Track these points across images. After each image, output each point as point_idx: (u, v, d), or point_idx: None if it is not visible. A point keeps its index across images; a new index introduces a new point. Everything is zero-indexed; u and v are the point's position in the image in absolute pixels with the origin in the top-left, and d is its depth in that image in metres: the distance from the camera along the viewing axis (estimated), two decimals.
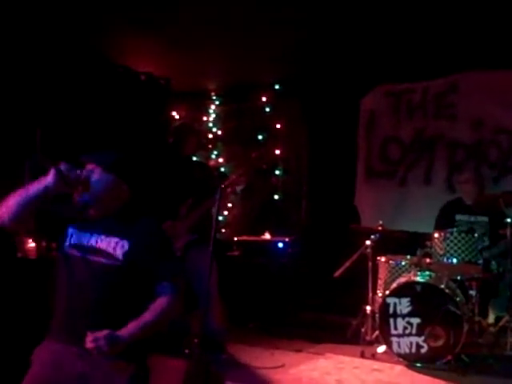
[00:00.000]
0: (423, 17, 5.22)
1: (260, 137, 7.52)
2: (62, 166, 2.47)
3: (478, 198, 5.35)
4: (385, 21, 5.35)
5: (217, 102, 7.88)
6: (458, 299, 4.64)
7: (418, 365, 4.60)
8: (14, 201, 2.47)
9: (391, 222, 5.86)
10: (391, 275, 5.18)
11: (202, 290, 3.43)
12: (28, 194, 2.46)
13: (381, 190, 6.69)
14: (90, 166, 2.61)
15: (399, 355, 4.68)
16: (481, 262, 4.84)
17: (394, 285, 4.88)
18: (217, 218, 3.13)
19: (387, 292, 4.85)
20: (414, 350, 4.63)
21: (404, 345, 4.66)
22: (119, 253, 2.55)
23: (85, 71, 6.04)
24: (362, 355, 4.87)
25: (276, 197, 7.43)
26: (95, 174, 2.58)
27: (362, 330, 5.11)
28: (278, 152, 7.41)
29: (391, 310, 4.74)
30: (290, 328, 5.91)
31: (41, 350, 2.57)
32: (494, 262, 4.97)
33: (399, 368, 4.62)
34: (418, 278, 4.81)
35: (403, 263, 5.18)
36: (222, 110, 7.89)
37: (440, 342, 4.56)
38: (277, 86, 7.39)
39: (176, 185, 4.95)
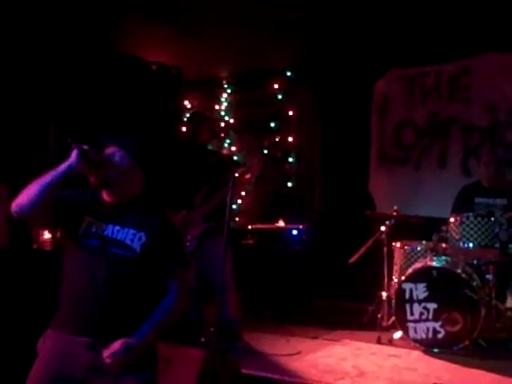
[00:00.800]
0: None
1: (272, 124, 7.50)
2: (85, 147, 2.47)
3: (495, 180, 5.30)
4: (397, 4, 5.29)
5: (229, 91, 7.86)
6: (474, 284, 4.61)
7: (435, 350, 4.58)
8: (35, 185, 2.44)
9: (406, 207, 5.82)
10: (407, 261, 5.16)
11: (218, 278, 3.43)
12: (50, 177, 2.44)
13: (395, 175, 6.66)
14: (110, 149, 2.60)
15: (416, 341, 4.67)
16: (497, 245, 4.79)
17: (410, 270, 4.86)
18: (231, 207, 3.12)
19: (403, 278, 4.83)
20: (430, 335, 4.62)
21: (421, 330, 4.65)
22: (137, 245, 2.54)
23: (95, 63, 6.04)
24: (379, 341, 4.87)
25: (289, 184, 7.41)
26: (116, 156, 2.58)
27: (378, 316, 5.10)
28: (290, 139, 7.39)
29: (407, 295, 4.72)
30: (306, 315, 5.92)
31: (47, 341, 2.56)
32: (511, 246, 4.92)
33: (416, 353, 4.61)
34: (434, 263, 4.78)
35: (419, 248, 5.15)
36: (233, 99, 7.86)
37: (457, 327, 4.53)
38: (288, 73, 7.35)
39: (191, 174, 4.95)
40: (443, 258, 4.84)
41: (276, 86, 7.44)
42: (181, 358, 3.69)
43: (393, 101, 6.73)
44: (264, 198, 7.52)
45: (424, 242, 5.16)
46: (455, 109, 6.33)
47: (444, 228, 5.03)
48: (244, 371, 3.95)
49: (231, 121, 7.85)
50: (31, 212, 2.45)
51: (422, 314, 4.65)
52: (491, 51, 5.95)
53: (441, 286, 4.64)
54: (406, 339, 4.73)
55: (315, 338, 5.12)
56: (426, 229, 5.30)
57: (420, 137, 6.55)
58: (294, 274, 6.32)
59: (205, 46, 6.26)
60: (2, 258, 4.62)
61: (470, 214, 4.91)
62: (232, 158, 7.08)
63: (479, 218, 4.82)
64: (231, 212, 3.27)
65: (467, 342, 4.49)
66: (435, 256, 4.87)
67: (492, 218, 4.83)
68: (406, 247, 5.23)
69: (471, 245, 4.81)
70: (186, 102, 7.87)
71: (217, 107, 7.87)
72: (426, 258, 4.95)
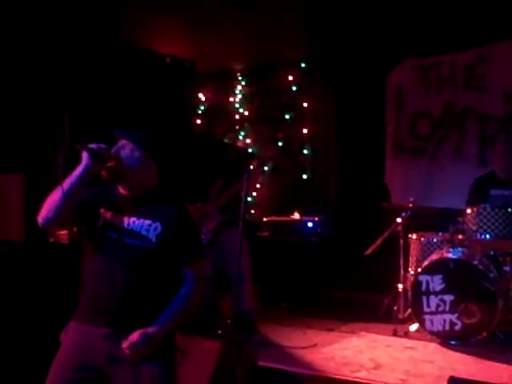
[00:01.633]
0: None
1: (287, 116, 7.48)
2: (91, 145, 2.49)
3: (511, 171, 5.24)
4: None
5: (243, 83, 7.84)
6: (491, 275, 4.57)
7: (452, 342, 4.57)
8: (55, 196, 2.47)
9: (422, 198, 5.79)
10: (423, 252, 5.13)
11: (234, 270, 3.43)
12: (69, 185, 2.46)
13: (411, 166, 6.62)
14: (121, 142, 2.63)
15: (432, 333, 4.65)
16: None
17: (426, 262, 4.83)
18: (246, 199, 3.11)
19: (419, 269, 4.81)
20: (447, 327, 4.59)
21: (437, 322, 4.63)
22: (152, 235, 2.56)
23: (109, 56, 6.05)
24: (395, 333, 4.86)
25: (305, 176, 7.40)
26: (126, 149, 2.60)
27: (394, 308, 5.09)
28: (305, 131, 7.37)
29: (424, 287, 4.70)
30: (322, 307, 5.92)
31: (69, 331, 2.60)
32: None
33: (433, 346, 4.59)
34: (451, 255, 4.75)
35: (435, 240, 5.13)
36: (248, 91, 7.84)
37: (474, 319, 4.51)
38: (303, 65, 7.31)
39: (206, 167, 4.96)
40: (460, 249, 4.80)
41: (290, 78, 7.41)
42: (197, 350, 3.69)
43: (408, 91, 6.67)
44: (279, 191, 7.51)
45: (440, 233, 5.14)
46: (471, 98, 6.26)
47: (460, 219, 5.00)
48: (260, 363, 3.96)
49: (246, 113, 7.83)
50: (58, 222, 2.53)
51: (438, 306, 4.63)
52: (506, 39, 5.88)
53: (457, 277, 4.62)
54: (423, 331, 4.72)
55: (331, 330, 5.12)
56: (442, 220, 5.26)
57: (436, 128, 6.50)
58: (310, 267, 6.32)
59: (218, 38, 6.25)
60: (18, 251, 4.65)
61: (487, 204, 4.86)
62: (247, 151, 7.08)
63: (496, 209, 4.77)
64: (246, 204, 3.26)
65: (484, 334, 4.47)
66: (452, 248, 4.84)
67: (509, 209, 4.78)
68: (422, 239, 5.20)
69: (488, 236, 4.77)
70: (200, 95, 7.87)
71: (231, 99, 7.85)
72: (442, 249, 4.92)
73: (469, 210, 4.92)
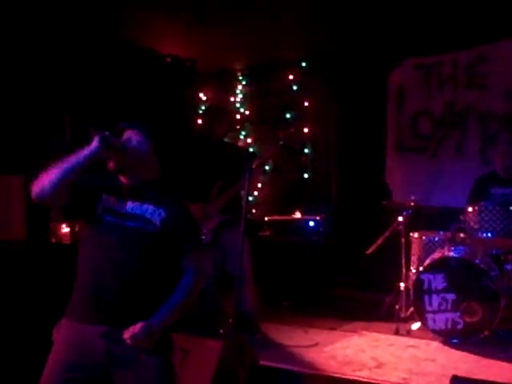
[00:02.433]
0: None
1: (288, 115, 7.48)
2: (106, 133, 2.51)
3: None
4: None
5: (243, 82, 7.84)
6: (493, 274, 4.56)
7: (454, 341, 4.56)
8: (56, 169, 2.46)
9: (423, 197, 5.78)
10: (425, 251, 5.12)
11: (235, 270, 3.43)
12: (71, 162, 2.47)
13: (412, 164, 6.61)
14: (128, 133, 2.65)
15: (434, 332, 4.64)
16: None
17: (428, 261, 4.83)
18: (247, 198, 3.12)
19: (421, 268, 4.81)
20: (449, 326, 4.59)
21: (439, 321, 4.62)
22: (157, 219, 2.57)
23: (110, 56, 6.06)
24: (397, 332, 4.85)
25: (306, 175, 7.40)
26: (134, 140, 2.62)
27: (396, 307, 5.08)
28: (306, 130, 7.36)
29: (425, 286, 4.69)
30: (324, 306, 5.92)
31: (62, 330, 2.57)
32: None
33: (435, 344, 4.59)
34: (452, 254, 4.75)
35: (437, 239, 5.12)
36: (248, 90, 7.84)
37: (476, 318, 4.50)
38: (303, 64, 7.31)
39: (207, 167, 4.95)
40: (461, 248, 4.80)
41: (291, 77, 7.41)
42: (199, 350, 3.70)
43: (409, 90, 6.67)
44: (280, 190, 7.51)
45: (442, 232, 5.13)
46: (472, 97, 6.26)
47: (462, 218, 4.99)
48: (262, 363, 3.96)
49: (246, 112, 7.83)
50: (51, 194, 2.47)
51: (440, 304, 4.63)
52: (507, 37, 5.87)
53: (459, 276, 4.61)
54: (425, 330, 4.71)
55: (333, 329, 5.12)
56: (443, 219, 5.26)
57: (437, 126, 6.49)
58: (311, 266, 6.31)
59: (219, 38, 6.25)
60: (20, 251, 4.66)
61: (489, 203, 4.86)
62: (248, 150, 7.09)
63: (498, 208, 4.77)
64: (248, 203, 3.26)
65: (486, 333, 4.47)
66: (453, 246, 4.83)
67: (511, 207, 4.78)
68: (423, 237, 5.19)
69: (490, 234, 4.76)
70: (201, 95, 7.87)
71: (232, 99, 7.85)
72: (443, 248, 4.91)
73: (470, 209, 4.91)
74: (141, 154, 2.62)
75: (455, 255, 4.72)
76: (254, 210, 7.55)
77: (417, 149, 6.63)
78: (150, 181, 2.68)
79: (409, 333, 4.83)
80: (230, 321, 3.18)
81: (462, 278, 4.59)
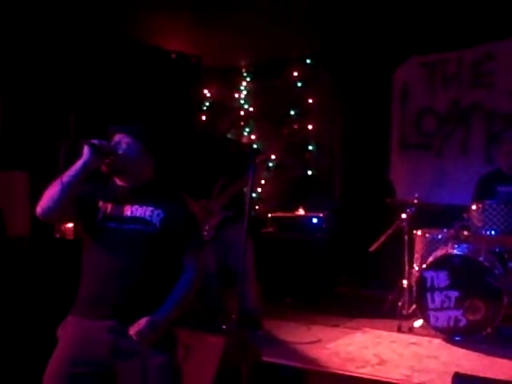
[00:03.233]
0: None
1: (292, 112, 7.47)
2: (93, 140, 2.53)
3: None
4: None
5: (248, 79, 7.84)
6: (496, 271, 4.57)
7: (457, 338, 4.56)
8: (55, 187, 2.49)
9: (427, 194, 5.77)
10: (428, 249, 5.12)
11: (238, 266, 3.44)
12: (68, 178, 2.48)
13: (416, 162, 6.61)
14: (117, 137, 2.66)
15: (437, 329, 4.64)
16: None
17: (431, 258, 4.83)
18: (251, 195, 3.12)
19: (424, 266, 4.80)
20: (452, 323, 4.59)
21: (442, 318, 4.62)
22: (156, 220, 2.59)
23: (115, 53, 6.06)
24: (399, 329, 4.85)
25: (309, 172, 7.39)
26: (123, 143, 2.63)
27: (399, 304, 5.08)
28: (310, 127, 7.36)
29: (428, 283, 4.69)
30: (326, 303, 5.93)
31: (67, 327, 2.59)
32: None
33: (437, 342, 4.59)
34: (456, 251, 4.74)
35: (440, 236, 5.11)
36: (253, 87, 7.84)
37: (479, 316, 4.50)
38: (308, 61, 7.31)
39: (209, 163, 4.96)
40: (465, 245, 4.79)
41: (295, 74, 7.41)
42: (202, 346, 3.71)
43: (413, 88, 6.66)
44: (284, 187, 7.51)
45: (445, 229, 5.12)
46: (477, 95, 6.25)
47: (466, 215, 4.98)
48: (265, 359, 3.97)
49: (251, 109, 7.83)
50: (56, 213, 2.53)
51: (443, 302, 4.63)
52: None
53: (462, 274, 4.61)
54: (427, 327, 4.71)
55: (336, 326, 5.12)
56: (447, 216, 5.25)
57: (442, 124, 6.48)
58: (315, 262, 6.32)
59: (224, 34, 6.25)
60: (24, 247, 4.67)
61: (493, 201, 4.85)
62: (251, 147, 7.08)
63: (502, 206, 4.76)
64: (251, 200, 3.26)
65: (489, 330, 4.47)
66: (457, 244, 4.83)
67: None
68: (427, 235, 5.19)
69: (493, 232, 4.75)
70: (206, 91, 7.87)
71: (236, 96, 7.85)
72: (447, 245, 4.90)
73: (474, 207, 4.90)
74: (131, 156, 2.62)
75: (458, 253, 4.72)
76: (257, 207, 7.55)
77: (421, 146, 6.63)
78: (146, 181, 2.69)
79: (411, 330, 4.84)
80: (233, 317, 3.18)
81: (465, 275, 4.59)
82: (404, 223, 5.14)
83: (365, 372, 3.91)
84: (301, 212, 6.86)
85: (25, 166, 5.05)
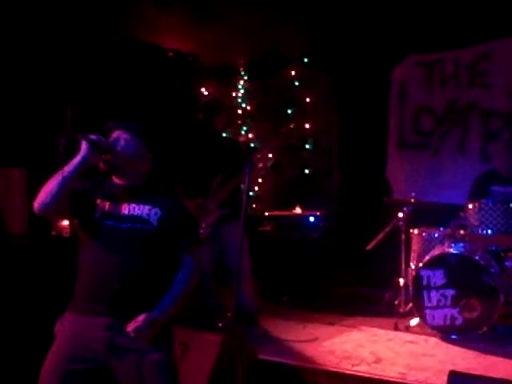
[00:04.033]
0: None
1: (289, 111, 7.47)
2: (92, 136, 2.54)
3: None
4: None
5: (245, 77, 7.83)
6: (492, 270, 4.58)
7: (453, 337, 4.57)
8: (53, 183, 2.50)
9: (424, 193, 5.79)
10: (424, 247, 5.13)
11: (234, 264, 3.44)
12: (67, 173, 2.49)
13: (413, 161, 6.61)
14: (115, 133, 2.67)
15: (433, 327, 4.66)
16: None
17: (428, 257, 4.83)
18: (248, 193, 3.12)
19: (421, 264, 4.81)
20: (448, 322, 4.60)
21: (438, 317, 4.63)
22: (154, 218, 2.61)
23: (112, 50, 6.05)
24: (396, 328, 4.87)
25: (306, 171, 7.40)
26: (121, 140, 2.64)
27: (396, 302, 5.10)
28: (307, 126, 7.36)
29: (425, 282, 4.70)
30: (323, 301, 5.94)
31: (64, 323, 2.61)
32: None
33: (433, 340, 4.60)
34: (452, 250, 4.75)
35: (436, 235, 5.12)
36: (250, 86, 7.84)
37: (475, 314, 4.51)
38: (305, 60, 7.31)
39: (206, 161, 4.96)
40: (461, 244, 4.80)
41: (293, 73, 7.40)
42: (198, 344, 3.71)
43: (411, 87, 6.66)
44: (281, 185, 7.52)
45: (442, 228, 5.13)
46: (474, 95, 6.25)
47: (462, 214, 4.99)
48: (261, 357, 3.97)
49: (248, 108, 7.83)
50: (53, 209, 2.54)
51: (439, 300, 4.64)
52: (510, 36, 5.86)
53: (459, 272, 4.62)
54: (423, 326, 4.72)
55: (332, 324, 5.13)
56: (444, 215, 5.26)
57: (439, 123, 6.49)
58: (311, 261, 6.32)
59: (221, 33, 6.24)
60: (21, 244, 4.67)
61: (489, 200, 4.86)
62: (248, 145, 7.09)
63: (498, 205, 4.77)
64: (248, 198, 3.27)
65: (485, 329, 4.48)
66: (453, 242, 4.84)
67: (511, 205, 4.78)
68: (423, 234, 5.20)
69: (490, 231, 4.76)
70: (203, 89, 7.86)
71: (233, 94, 7.85)
72: (443, 244, 4.92)
73: (470, 206, 4.91)
74: (130, 153, 2.63)
75: (455, 251, 4.73)
76: (254, 205, 7.55)
77: (418, 145, 6.63)
78: (144, 179, 2.71)
79: (407, 328, 4.85)
80: (229, 314, 3.19)
81: (462, 274, 4.61)
82: (401, 222, 5.15)
83: (361, 370, 3.92)
84: (298, 211, 6.86)
85: (22, 163, 5.04)
